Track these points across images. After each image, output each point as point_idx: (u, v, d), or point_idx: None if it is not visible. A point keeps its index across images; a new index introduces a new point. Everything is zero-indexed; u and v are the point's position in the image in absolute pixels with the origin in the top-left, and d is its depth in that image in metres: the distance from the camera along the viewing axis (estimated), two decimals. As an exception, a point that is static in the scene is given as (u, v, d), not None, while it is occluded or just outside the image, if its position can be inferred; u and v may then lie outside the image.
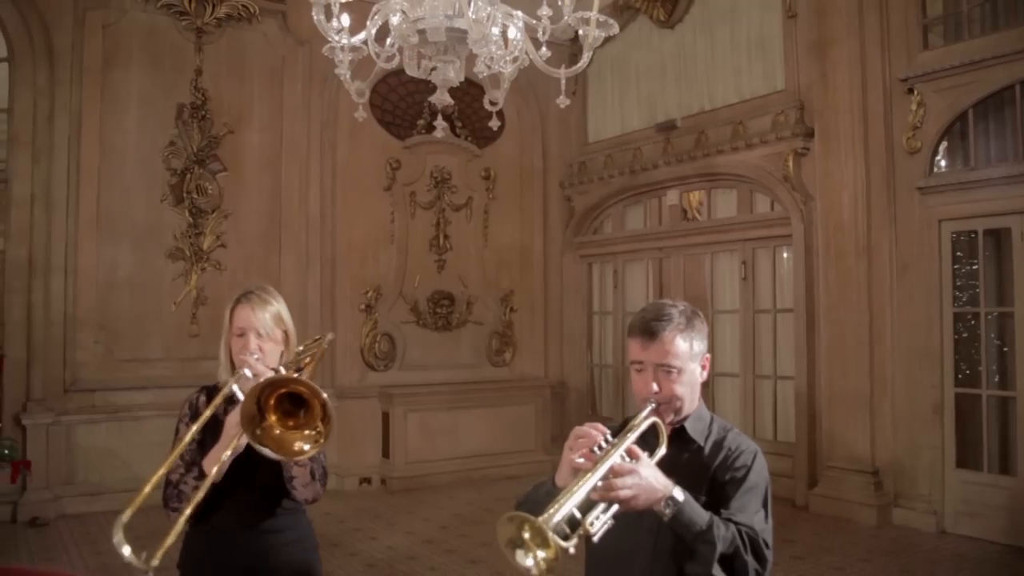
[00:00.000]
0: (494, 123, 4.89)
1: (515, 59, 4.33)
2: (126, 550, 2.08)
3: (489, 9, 4.06)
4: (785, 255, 8.05)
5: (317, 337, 2.75)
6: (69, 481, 7.30)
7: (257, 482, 2.46)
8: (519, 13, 4.19)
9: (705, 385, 2.20)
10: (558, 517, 1.66)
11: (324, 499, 2.62)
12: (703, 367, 2.15)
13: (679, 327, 2.08)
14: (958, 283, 6.83)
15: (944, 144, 6.87)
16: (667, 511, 1.84)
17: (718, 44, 8.64)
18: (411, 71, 4.43)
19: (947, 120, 6.75)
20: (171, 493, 2.41)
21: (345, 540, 6.59)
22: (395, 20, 4.11)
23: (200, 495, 2.28)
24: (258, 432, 2.17)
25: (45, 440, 7.20)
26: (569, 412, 9.62)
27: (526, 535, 1.66)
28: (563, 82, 4.36)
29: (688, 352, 2.08)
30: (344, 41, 4.46)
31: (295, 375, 2.31)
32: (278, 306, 2.57)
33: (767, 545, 1.95)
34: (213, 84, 8.15)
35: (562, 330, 9.95)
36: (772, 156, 7.92)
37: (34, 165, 7.40)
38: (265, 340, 2.51)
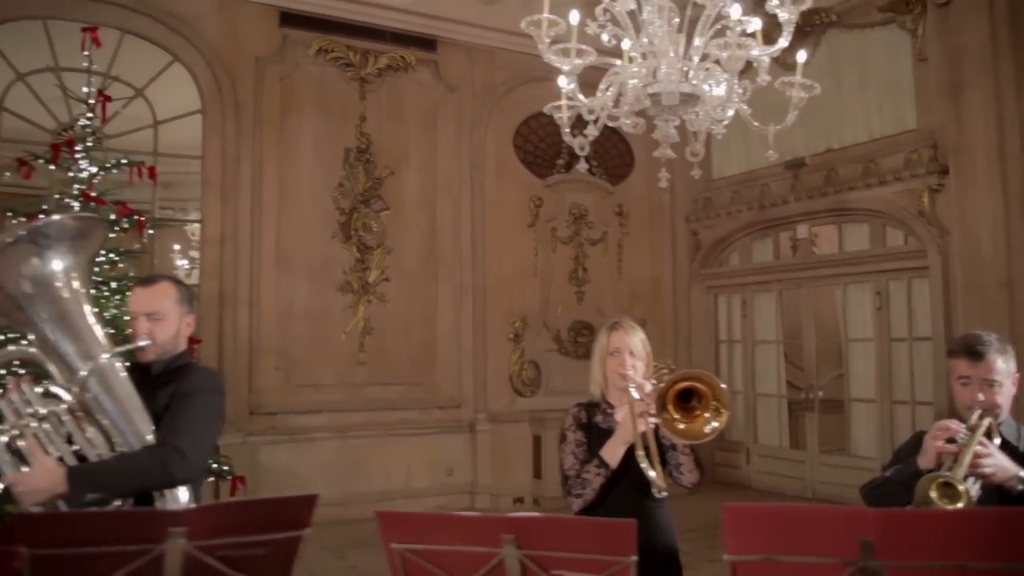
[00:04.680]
0: (695, 172, 5.42)
1: (723, 117, 4.89)
2: None
3: (720, 74, 4.57)
4: (920, 286, 8.37)
5: (659, 364, 3.26)
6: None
7: (637, 470, 2.97)
8: (728, 75, 4.70)
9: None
10: (960, 474, 2.32)
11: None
12: (1013, 383, 2.66)
13: (999, 350, 2.62)
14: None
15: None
16: (1019, 487, 2.41)
17: (845, 86, 9.04)
18: (627, 128, 4.92)
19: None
20: (574, 483, 2.95)
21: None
22: (632, 83, 4.63)
23: (600, 480, 2.91)
24: (665, 421, 2.73)
25: (236, 459, 7.82)
26: (698, 437, 9.96)
27: (933, 494, 2.27)
28: (770, 137, 4.90)
29: (1005, 370, 2.63)
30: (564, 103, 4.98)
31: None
32: (642, 333, 3.11)
33: None
34: (375, 129, 8.81)
35: (691, 358, 10.35)
36: (905, 192, 8.27)
37: (223, 206, 8.11)
38: (636, 359, 3.03)
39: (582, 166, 5.07)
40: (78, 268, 2.53)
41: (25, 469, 2.42)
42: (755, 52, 4.52)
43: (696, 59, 4.59)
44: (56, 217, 2.51)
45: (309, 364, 8.32)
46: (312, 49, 8.61)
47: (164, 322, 2.65)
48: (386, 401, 8.60)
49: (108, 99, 6.77)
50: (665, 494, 2.75)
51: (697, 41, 4.59)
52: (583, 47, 4.47)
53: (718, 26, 4.53)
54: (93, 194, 6.32)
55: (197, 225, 11.37)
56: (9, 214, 6.49)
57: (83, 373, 2.44)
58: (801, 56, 4.96)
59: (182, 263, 13.46)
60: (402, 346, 8.74)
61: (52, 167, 6.39)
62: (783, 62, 9.61)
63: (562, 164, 9.71)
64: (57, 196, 6.27)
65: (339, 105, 8.72)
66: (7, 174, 7.72)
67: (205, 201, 8.16)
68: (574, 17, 4.46)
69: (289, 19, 8.53)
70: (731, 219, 10.07)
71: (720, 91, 4.78)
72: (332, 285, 8.50)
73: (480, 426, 8.98)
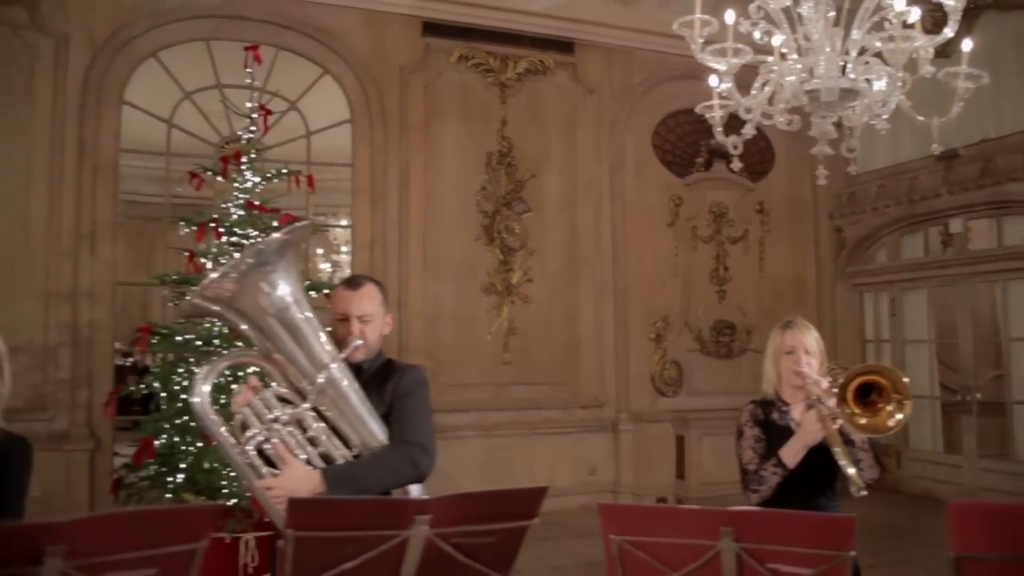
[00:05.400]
0: (852, 169, 5.31)
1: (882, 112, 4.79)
2: None
3: (879, 68, 4.48)
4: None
5: (832, 364, 3.25)
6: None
7: (812, 470, 2.98)
8: (890, 68, 4.60)
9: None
10: None
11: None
12: None
13: None
14: None
15: None
16: None
17: (1003, 71, 8.63)
18: (781, 126, 4.86)
19: None
20: (752, 478, 3.00)
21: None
22: (789, 80, 4.58)
23: (777, 480, 2.94)
24: (846, 417, 2.73)
25: (388, 456, 8.10)
26: (846, 439, 9.72)
27: None
28: (934, 130, 4.77)
29: None
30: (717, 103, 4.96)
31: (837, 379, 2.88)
32: (815, 332, 3.12)
33: None
34: (516, 132, 8.96)
35: (837, 358, 10.07)
36: (1074, 182, 7.87)
37: (372, 211, 8.41)
38: (811, 356, 3.04)
39: (736, 165, 5.04)
40: (298, 276, 2.67)
41: (267, 471, 2.53)
42: (919, 43, 4.42)
43: (854, 53, 4.52)
44: (275, 236, 2.63)
45: (456, 364, 8.53)
46: (454, 56, 8.82)
47: (373, 323, 2.79)
48: (530, 400, 8.74)
49: (269, 112, 7.12)
50: (864, 492, 2.74)
51: (855, 34, 4.52)
52: (739, 46, 4.46)
53: (876, 18, 4.45)
54: (256, 203, 6.67)
55: (339, 229, 11.85)
56: (181, 223, 6.93)
57: (320, 380, 2.55)
58: (967, 45, 4.83)
59: (325, 266, 14.02)
60: (545, 346, 8.86)
61: (220, 178, 6.78)
62: (939, 51, 9.23)
63: (701, 162, 9.65)
64: (224, 205, 6.65)
65: (480, 110, 8.90)
66: (179, 189, 8.27)
67: (355, 206, 8.49)
68: (730, 16, 4.46)
69: (431, 28, 8.76)
70: (877, 214, 9.77)
71: (881, 85, 4.69)
72: (477, 286, 8.68)
73: (623, 426, 9.00)
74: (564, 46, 9.25)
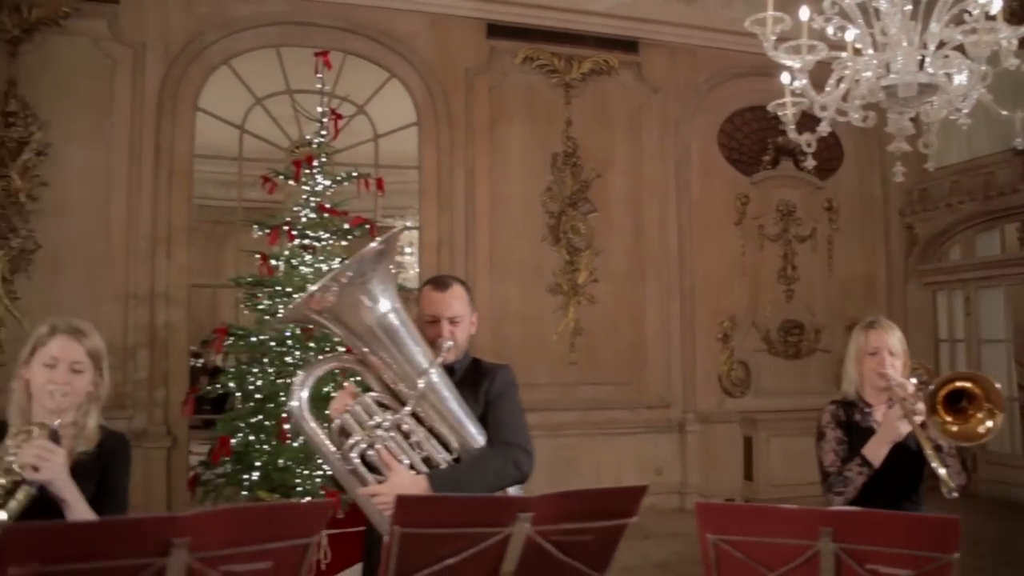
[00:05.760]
0: (930, 165, 5.21)
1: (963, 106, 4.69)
2: None
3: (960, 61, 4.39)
4: None
5: (915, 363, 3.21)
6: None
7: (896, 472, 2.94)
8: (970, 61, 4.50)
9: None
10: None
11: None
12: None
13: None
14: None
15: None
16: None
17: (1083, 62, 8.40)
18: (856, 122, 4.78)
19: None
20: (835, 480, 2.98)
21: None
22: (865, 76, 4.51)
23: (862, 479, 2.92)
24: (936, 424, 2.70)
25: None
26: (919, 440, 9.54)
27: None
28: (1018, 123, 4.64)
29: None
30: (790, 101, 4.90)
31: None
32: (899, 332, 3.08)
33: None
34: (581, 133, 8.96)
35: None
36: None
37: (439, 213, 8.49)
38: (895, 357, 3.01)
39: (809, 163, 4.98)
40: (393, 282, 2.67)
41: (371, 478, 2.53)
42: (1003, 35, 4.33)
43: (932, 47, 4.43)
44: (371, 246, 2.62)
45: (522, 364, 8.45)
46: (518, 58, 8.86)
47: (462, 324, 2.81)
48: (596, 401, 8.74)
49: (339, 117, 7.24)
50: (955, 494, 2.70)
51: (934, 27, 4.43)
52: (814, 43, 4.41)
53: (955, 11, 4.36)
54: (328, 205, 6.79)
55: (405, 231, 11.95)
56: (255, 226, 7.08)
57: (421, 384, 2.55)
58: (1051, 36, 4.69)
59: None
60: (611, 346, 8.84)
61: (292, 182, 6.91)
62: (1021, 41, 9.04)
63: (768, 160, 9.55)
64: (295, 208, 6.77)
65: (545, 111, 8.92)
66: (252, 193, 8.45)
67: (422, 208, 8.58)
68: (804, 13, 4.41)
69: (496, 31, 8.81)
70: (951, 211, 9.55)
71: (962, 78, 4.60)
72: (543, 287, 8.71)
73: (689, 426, 8.94)
74: (628, 45, 9.22)
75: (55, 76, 7.59)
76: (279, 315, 6.46)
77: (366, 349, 2.63)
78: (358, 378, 2.80)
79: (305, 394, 2.64)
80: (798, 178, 9.53)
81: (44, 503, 2.28)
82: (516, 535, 1.86)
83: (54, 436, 2.34)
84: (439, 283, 2.88)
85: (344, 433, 2.58)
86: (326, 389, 5.18)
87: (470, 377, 2.82)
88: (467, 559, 1.85)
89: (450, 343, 2.74)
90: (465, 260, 8.48)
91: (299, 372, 2.73)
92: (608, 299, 8.83)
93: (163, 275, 7.78)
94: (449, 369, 2.77)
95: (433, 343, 2.74)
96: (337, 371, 3.59)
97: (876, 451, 2.92)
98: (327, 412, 2.64)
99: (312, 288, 2.61)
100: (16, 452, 2.28)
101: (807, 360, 9.44)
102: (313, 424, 2.59)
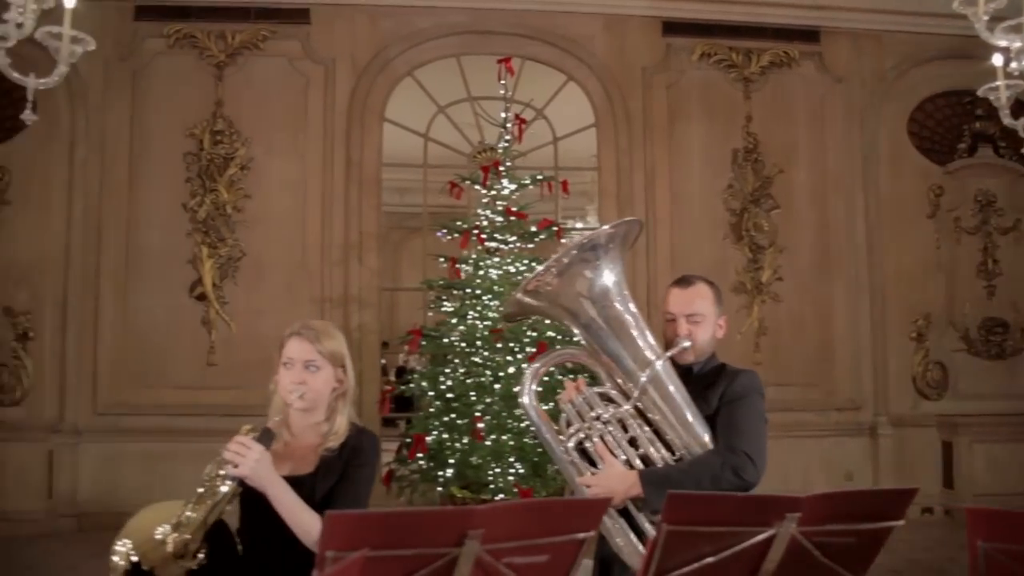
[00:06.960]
0: None
1: None
2: None
3: None
4: None
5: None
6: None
7: None
8: None
9: None
10: None
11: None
12: None
13: None
14: None
15: None
16: None
17: None
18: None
19: None
20: None
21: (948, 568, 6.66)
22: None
23: None
24: None
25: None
26: None
27: None
28: None
29: None
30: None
31: None
32: None
33: None
34: (761, 128, 8.75)
35: None
36: None
37: (620, 214, 8.47)
38: None
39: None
40: (623, 271, 2.68)
41: (588, 469, 2.58)
42: None
43: None
44: (605, 227, 2.65)
45: (708, 364, 8.43)
46: (695, 54, 8.74)
47: (703, 323, 2.77)
48: (782, 402, 8.45)
49: (524, 122, 7.36)
50: None
51: None
52: (1031, 22, 4.16)
53: None
54: (514, 209, 6.92)
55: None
56: (443, 231, 7.31)
57: (643, 379, 2.55)
58: None
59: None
60: (797, 346, 8.58)
61: (478, 187, 7.08)
62: None
63: (964, 148, 9.01)
64: (482, 213, 6.93)
65: (724, 107, 8.77)
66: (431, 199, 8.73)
67: (602, 209, 8.62)
68: (1022, -9, 4.16)
69: (672, 28, 8.72)
70: None
71: None
72: (726, 286, 8.51)
73: (881, 430, 8.56)
74: (809, 35, 8.92)
75: (255, 95, 8.11)
76: (467, 316, 6.65)
77: (593, 341, 2.66)
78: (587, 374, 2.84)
79: (534, 386, 2.73)
80: (999, 166, 8.96)
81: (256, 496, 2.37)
82: (781, 535, 1.83)
83: (268, 435, 2.42)
84: (682, 280, 2.86)
85: (568, 424, 2.66)
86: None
87: (707, 379, 2.76)
88: (729, 557, 1.84)
89: (686, 343, 2.71)
90: (646, 260, 8.43)
91: (524, 366, 2.80)
92: (793, 298, 8.58)
93: (355, 279, 8.16)
94: (687, 370, 2.74)
95: (671, 343, 2.73)
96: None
97: None
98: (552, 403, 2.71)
99: (533, 272, 2.65)
100: None
101: (1012, 361, 8.85)
102: (538, 416, 2.67)
